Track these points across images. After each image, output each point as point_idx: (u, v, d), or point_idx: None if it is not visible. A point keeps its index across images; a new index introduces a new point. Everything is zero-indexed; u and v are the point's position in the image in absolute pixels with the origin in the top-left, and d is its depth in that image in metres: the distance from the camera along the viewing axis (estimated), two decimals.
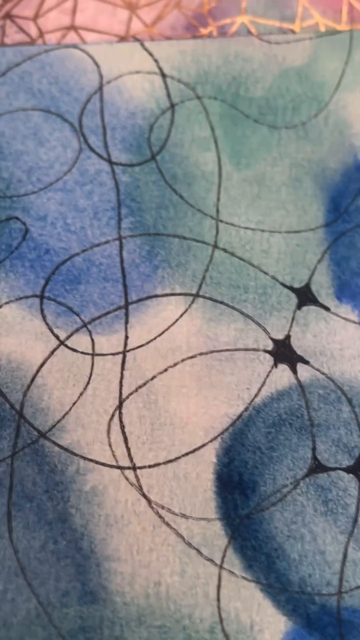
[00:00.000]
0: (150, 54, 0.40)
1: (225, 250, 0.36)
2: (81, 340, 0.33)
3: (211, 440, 0.31)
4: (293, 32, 0.40)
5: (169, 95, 0.39)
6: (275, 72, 0.39)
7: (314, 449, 0.31)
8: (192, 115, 0.39)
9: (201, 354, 0.33)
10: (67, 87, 0.40)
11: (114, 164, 0.38)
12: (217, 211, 0.37)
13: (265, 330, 0.34)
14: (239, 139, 0.38)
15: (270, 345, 0.33)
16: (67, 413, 0.32)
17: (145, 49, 0.41)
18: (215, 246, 0.36)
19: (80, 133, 0.39)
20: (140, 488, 0.30)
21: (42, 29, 0.42)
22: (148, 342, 0.33)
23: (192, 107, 0.39)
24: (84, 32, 0.41)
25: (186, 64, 0.40)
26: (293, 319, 0.34)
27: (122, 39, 0.41)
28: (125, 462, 0.31)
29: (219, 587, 0.29)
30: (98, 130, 0.39)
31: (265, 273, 0.35)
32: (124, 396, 0.32)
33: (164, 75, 0.40)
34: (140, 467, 0.31)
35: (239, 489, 0.30)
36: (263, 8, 0.41)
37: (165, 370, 0.33)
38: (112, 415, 0.32)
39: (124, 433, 0.31)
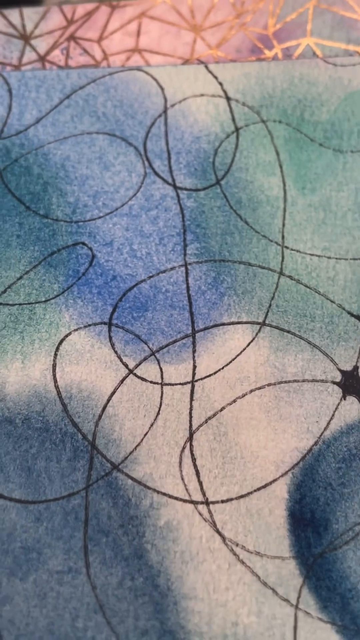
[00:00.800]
0: (215, 77, 0.37)
1: (291, 278, 0.33)
2: (150, 369, 0.31)
3: (282, 475, 0.29)
4: (359, 54, 0.37)
5: (233, 119, 0.36)
6: (340, 95, 0.36)
7: None
8: (257, 139, 0.36)
9: (269, 384, 0.31)
10: (131, 111, 0.37)
11: (179, 188, 0.35)
12: (283, 237, 0.34)
13: (332, 360, 0.31)
14: (304, 163, 0.35)
15: (338, 377, 0.31)
16: (139, 444, 0.29)
17: (210, 72, 0.38)
18: (281, 273, 0.33)
19: (145, 157, 0.36)
20: (214, 524, 0.28)
21: (107, 51, 0.39)
22: (216, 372, 0.31)
23: (256, 131, 0.36)
24: (148, 54, 0.39)
25: (251, 87, 0.37)
26: None
27: (187, 61, 0.38)
28: (198, 497, 0.28)
29: (295, 628, 0.26)
30: (162, 154, 0.36)
31: (332, 301, 0.32)
32: (194, 428, 0.30)
33: (228, 99, 0.37)
34: (213, 502, 0.28)
35: (312, 527, 0.28)
36: (329, 30, 0.37)
37: (234, 401, 0.30)
38: (184, 448, 0.29)
39: (195, 466, 0.29)
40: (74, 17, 0.40)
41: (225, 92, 0.37)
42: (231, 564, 0.27)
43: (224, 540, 0.27)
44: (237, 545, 0.27)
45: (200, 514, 0.28)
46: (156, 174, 0.35)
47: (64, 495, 0.28)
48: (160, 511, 0.28)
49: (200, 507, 0.28)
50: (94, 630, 0.26)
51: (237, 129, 0.36)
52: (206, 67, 0.38)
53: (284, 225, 0.34)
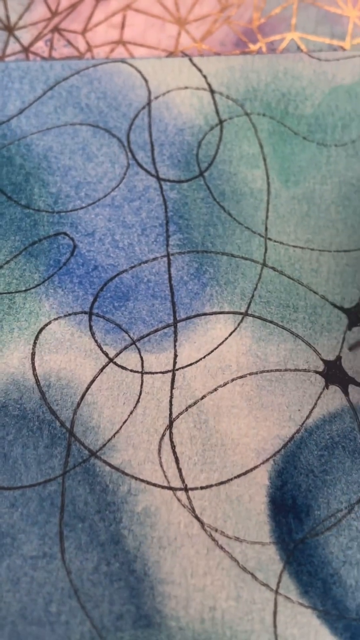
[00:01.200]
0: (199, 70, 0.40)
1: (274, 269, 0.35)
2: (130, 358, 0.33)
3: (263, 462, 0.31)
4: (343, 49, 0.40)
5: (217, 112, 0.39)
6: (325, 90, 0.39)
7: None
8: (241, 132, 0.38)
9: (251, 373, 0.32)
10: (115, 102, 0.39)
11: (162, 180, 0.37)
12: (266, 229, 0.36)
13: (315, 350, 0.33)
14: (288, 156, 0.38)
15: (321, 366, 0.33)
16: (117, 432, 0.31)
17: (194, 65, 0.40)
18: (264, 264, 0.35)
19: (128, 149, 0.38)
20: (192, 510, 0.29)
21: (91, 43, 0.41)
22: (197, 361, 0.33)
23: (240, 124, 0.38)
24: (133, 46, 0.41)
25: (235, 80, 0.39)
26: (344, 339, 0.33)
27: (171, 54, 0.41)
28: (177, 483, 0.30)
29: (275, 613, 0.28)
30: (146, 146, 0.38)
31: (315, 292, 0.34)
32: (174, 415, 0.31)
33: (212, 92, 0.39)
34: (192, 489, 0.30)
35: (293, 513, 0.30)
36: (313, 25, 0.40)
37: (215, 389, 0.32)
38: (163, 435, 0.31)
39: (175, 453, 0.31)
40: (58, 9, 0.42)
41: (209, 85, 0.39)
42: (210, 549, 0.28)
43: (202, 525, 0.29)
44: (216, 530, 0.29)
45: (179, 500, 0.29)
46: (139, 165, 0.37)
47: (40, 482, 0.29)
48: (138, 497, 0.29)
49: (179, 493, 0.29)
50: (67, 615, 0.27)
51: (221, 122, 0.38)
52: (190, 60, 0.40)
53: (267, 217, 0.36)
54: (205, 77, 0.40)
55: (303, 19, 0.40)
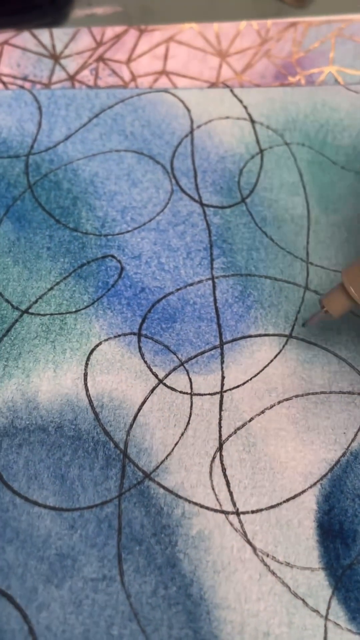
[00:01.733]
0: (240, 101, 0.37)
1: (316, 292, 0.32)
2: (179, 380, 0.30)
3: (311, 487, 0.28)
4: None
5: (257, 141, 0.36)
6: None
7: None
8: (281, 161, 0.36)
9: (297, 396, 0.30)
10: (158, 131, 0.37)
11: (205, 205, 0.35)
12: (307, 254, 0.33)
13: (359, 372, 0.30)
14: (327, 184, 0.35)
15: None
16: (169, 454, 0.28)
17: (235, 96, 0.37)
18: (307, 288, 0.33)
19: (172, 175, 0.36)
20: (244, 534, 0.27)
21: (135, 72, 0.39)
22: (244, 383, 0.30)
23: (280, 153, 0.36)
24: (175, 77, 0.38)
25: (275, 111, 0.37)
26: None
27: (212, 85, 0.38)
28: (229, 507, 0.27)
29: (325, 639, 0.25)
30: (189, 172, 0.36)
31: (357, 316, 0.32)
32: (223, 438, 0.29)
33: (253, 121, 0.37)
34: (243, 512, 0.27)
35: (340, 538, 0.27)
36: (351, 59, 0.38)
37: (263, 412, 0.30)
38: (214, 458, 0.28)
39: (225, 476, 0.28)
40: (103, 39, 0.40)
41: (249, 115, 0.37)
42: (262, 574, 0.26)
43: (254, 550, 0.26)
44: (267, 555, 0.26)
45: (231, 524, 0.27)
46: (183, 191, 0.35)
47: (97, 504, 0.27)
48: (192, 520, 0.27)
49: (231, 517, 0.27)
50: (129, 638, 0.24)
51: (261, 151, 0.36)
52: (231, 91, 0.38)
53: (308, 242, 0.33)
54: (245, 107, 0.37)
55: (341, 53, 0.38)
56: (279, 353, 0.31)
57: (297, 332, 0.31)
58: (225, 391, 0.30)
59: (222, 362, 0.31)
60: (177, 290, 0.32)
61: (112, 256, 0.33)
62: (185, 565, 0.26)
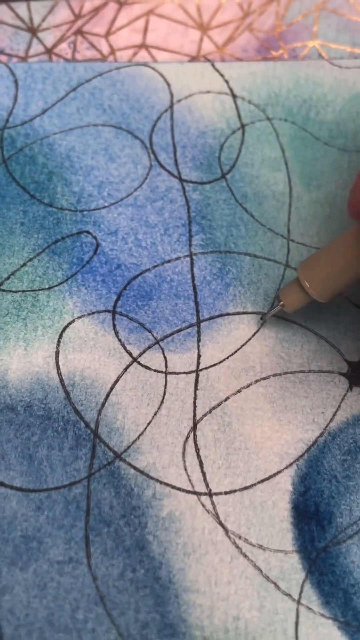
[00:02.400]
0: (221, 75, 0.36)
1: (297, 270, 0.31)
2: (154, 358, 0.29)
3: (287, 467, 0.27)
4: None
5: (239, 116, 0.35)
6: (345, 96, 0.35)
7: None
8: (263, 136, 0.34)
9: (275, 375, 0.29)
10: (137, 105, 0.35)
11: (185, 181, 0.33)
12: (289, 231, 0.32)
13: (339, 351, 0.29)
14: (310, 160, 0.34)
15: (344, 368, 0.29)
16: (142, 433, 0.27)
17: (216, 70, 0.36)
18: (287, 265, 0.31)
19: (150, 150, 0.34)
20: (217, 516, 0.26)
21: (114, 46, 0.37)
22: (221, 362, 0.29)
23: (262, 128, 0.35)
24: (155, 50, 0.37)
25: (257, 86, 0.35)
26: None
27: (193, 58, 0.37)
28: (201, 488, 0.26)
29: (297, 623, 0.24)
30: (168, 148, 0.34)
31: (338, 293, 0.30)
32: (198, 417, 0.28)
33: (234, 96, 0.35)
34: (216, 494, 0.26)
35: (316, 520, 0.26)
36: (334, 33, 0.36)
37: (239, 391, 0.28)
38: (187, 437, 0.27)
39: (199, 457, 0.27)
40: (82, 12, 0.38)
41: (231, 89, 0.35)
42: (233, 557, 0.25)
43: (226, 532, 0.25)
44: (239, 537, 0.25)
45: (203, 505, 0.26)
46: (162, 166, 0.34)
47: (66, 484, 0.26)
48: (163, 502, 0.26)
49: (203, 498, 0.26)
50: (94, 622, 0.23)
51: (242, 126, 0.34)
52: (212, 65, 0.36)
53: (289, 219, 0.32)
54: (227, 81, 0.36)
55: (324, 27, 0.36)
56: (257, 331, 0.30)
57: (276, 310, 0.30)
58: (201, 370, 0.29)
59: (199, 341, 0.29)
60: (154, 267, 0.31)
61: (88, 232, 0.32)
62: (154, 547, 0.25)
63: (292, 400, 0.28)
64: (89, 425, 0.27)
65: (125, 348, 0.29)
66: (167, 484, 0.26)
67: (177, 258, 0.31)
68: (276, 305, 0.28)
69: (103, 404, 0.27)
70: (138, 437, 0.27)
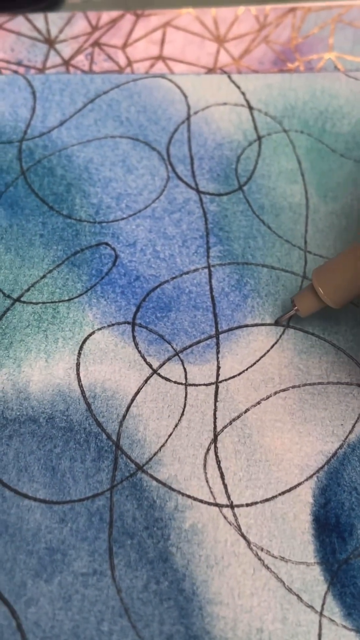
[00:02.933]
0: (238, 87, 0.36)
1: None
2: (174, 370, 0.29)
3: (307, 479, 0.27)
4: None
5: (255, 128, 0.35)
6: None
7: None
8: (279, 148, 0.34)
9: (293, 386, 0.29)
10: (154, 116, 0.36)
11: (202, 193, 0.34)
12: (305, 242, 0.32)
13: (357, 363, 0.29)
14: (326, 172, 0.34)
15: None
16: (163, 445, 0.27)
17: (233, 82, 0.36)
18: (305, 277, 0.31)
19: (168, 162, 0.34)
20: (239, 528, 0.26)
21: (131, 58, 0.37)
22: (240, 373, 0.29)
23: (278, 140, 0.35)
24: (172, 62, 0.37)
25: (273, 98, 0.36)
26: None
27: (210, 70, 0.37)
28: (223, 500, 0.26)
29: (319, 635, 0.24)
30: (185, 159, 0.34)
31: (356, 305, 0.31)
32: (218, 429, 0.28)
33: (251, 108, 0.35)
34: (238, 506, 0.26)
35: (336, 532, 0.26)
36: (350, 45, 0.36)
37: (258, 403, 0.28)
38: (208, 449, 0.27)
39: (220, 468, 0.27)
40: (99, 24, 0.38)
41: (247, 101, 0.35)
42: (256, 569, 0.25)
43: (248, 544, 0.25)
44: (261, 549, 0.25)
45: (225, 517, 0.26)
46: (179, 178, 0.34)
47: (89, 496, 0.26)
48: (185, 514, 0.26)
49: (225, 510, 0.26)
50: (119, 635, 0.23)
51: (259, 138, 0.35)
52: (229, 77, 0.36)
53: (306, 231, 0.32)
54: (243, 93, 0.36)
55: (340, 39, 0.36)
56: (275, 343, 0.30)
57: (294, 322, 0.30)
58: (220, 381, 0.29)
59: (218, 352, 0.29)
60: (173, 278, 0.31)
61: (107, 244, 0.32)
62: (177, 559, 0.25)
63: (311, 412, 0.28)
64: (111, 437, 0.27)
65: (145, 360, 0.29)
66: (189, 496, 0.26)
67: (195, 270, 0.31)
68: (290, 310, 0.28)
69: (124, 416, 0.28)
70: (159, 449, 0.27)
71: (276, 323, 0.29)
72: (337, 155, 0.34)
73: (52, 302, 0.30)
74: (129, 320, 0.30)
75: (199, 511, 0.26)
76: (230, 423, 0.28)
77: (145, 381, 0.28)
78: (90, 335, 0.30)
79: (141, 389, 0.28)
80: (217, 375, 0.29)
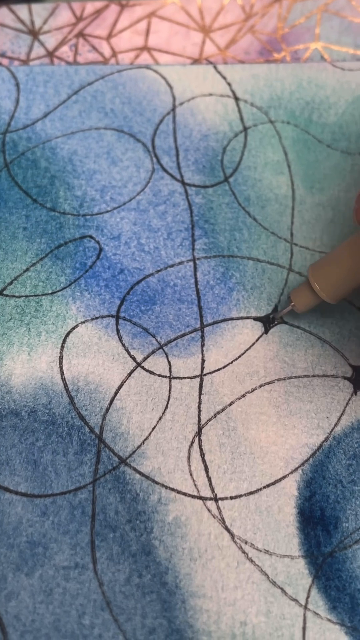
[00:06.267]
0: (224, 77, 0.36)
1: (300, 274, 0.31)
2: (158, 363, 0.29)
3: (292, 472, 0.27)
4: None
5: (241, 119, 0.35)
6: (348, 99, 0.35)
7: None
8: (265, 139, 0.35)
9: (279, 379, 0.29)
10: (139, 108, 0.36)
11: (187, 185, 0.34)
12: (292, 234, 0.33)
13: (343, 356, 0.30)
14: (312, 163, 0.34)
15: (349, 372, 0.29)
16: (146, 438, 0.27)
17: (219, 72, 0.36)
18: (291, 269, 0.32)
19: (153, 153, 0.35)
20: (222, 521, 0.26)
21: (115, 48, 0.38)
22: (225, 366, 0.29)
23: (265, 131, 0.35)
24: (157, 53, 0.37)
25: (259, 88, 0.36)
26: None
27: (195, 61, 0.37)
28: (207, 493, 0.27)
29: (304, 629, 0.25)
30: (171, 151, 0.35)
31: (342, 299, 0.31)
32: (202, 422, 0.28)
33: (237, 99, 0.36)
34: (222, 498, 0.26)
35: (321, 525, 0.26)
36: (337, 35, 0.36)
37: (243, 395, 0.29)
38: (192, 442, 0.28)
39: (204, 461, 0.27)
40: (83, 15, 0.38)
41: (233, 92, 0.36)
42: (240, 562, 0.25)
43: (232, 537, 0.26)
44: (246, 543, 0.26)
45: (209, 510, 0.26)
46: (164, 170, 0.34)
47: (71, 489, 0.26)
48: (169, 507, 0.26)
49: (209, 503, 0.26)
50: (100, 628, 0.24)
51: (245, 129, 0.35)
52: (215, 67, 0.36)
53: (292, 222, 0.33)
54: (229, 84, 0.36)
55: (327, 29, 0.37)
56: (260, 336, 0.30)
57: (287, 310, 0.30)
58: (205, 374, 0.29)
59: (203, 345, 0.30)
60: (157, 271, 0.31)
61: (91, 236, 0.32)
62: (160, 552, 0.25)
63: (297, 405, 0.28)
64: (94, 430, 0.27)
65: (129, 353, 0.29)
66: (172, 489, 0.26)
67: (180, 262, 0.32)
68: (287, 305, 0.29)
69: (107, 409, 0.28)
70: (143, 442, 0.27)
71: (272, 319, 0.30)
72: (324, 146, 0.34)
73: (35, 296, 0.31)
74: (113, 313, 0.30)
75: (182, 504, 0.26)
76: (215, 416, 0.28)
77: (129, 374, 0.29)
78: (73, 328, 0.30)
79: (125, 382, 0.29)
80: (202, 368, 0.29)
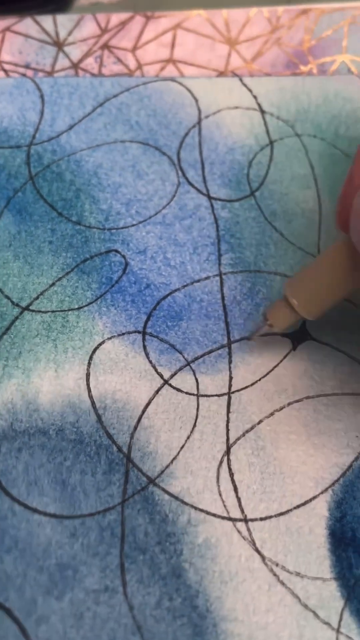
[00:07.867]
0: (249, 90, 0.36)
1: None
2: (185, 380, 0.29)
3: (322, 492, 0.27)
4: None
5: (267, 132, 0.35)
6: None
7: None
8: (291, 153, 0.34)
9: (308, 397, 0.28)
10: (165, 120, 0.35)
11: (213, 199, 0.33)
12: (318, 250, 0.32)
13: None
14: (339, 177, 0.33)
15: None
16: (175, 458, 0.27)
17: (245, 85, 0.36)
18: None
19: (178, 167, 0.34)
20: (253, 542, 0.25)
21: (140, 61, 0.37)
22: (253, 384, 0.29)
23: (291, 145, 0.34)
24: (183, 65, 0.37)
25: (285, 101, 0.35)
26: None
27: (221, 73, 0.36)
28: (237, 514, 0.26)
29: None
30: (196, 164, 0.34)
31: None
32: (231, 441, 0.27)
33: (263, 112, 0.35)
34: (252, 520, 0.26)
35: (353, 547, 0.26)
36: None
37: (272, 414, 0.28)
38: (221, 462, 0.27)
39: (233, 481, 0.27)
40: (108, 26, 0.38)
41: (259, 105, 0.35)
42: (271, 584, 0.25)
43: (263, 559, 0.25)
44: (277, 565, 0.25)
45: (239, 532, 0.25)
46: (190, 183, 0.33)
47: (100, 510, 0.25)
48: (198, 528, 0.25)
49: (239, 524, 0.26)
50: None
51: (271, 142, 0.34)
52: (241, 80, 0.36)
53: (319, 237, 0.32)
54: (255, 97, 0.35)
55: (354, 41, 0.36)
56: (289, 352, 0.29)
57: (310, 331, 0.30)
58: (233, 392, 0.28)
59: (230, 362, 0.29)
60: (184, 286, 0.31)
61: (116, 251, 0.32)
62: (190, 575, 0.24)
63: (326, 424, 0.28)
64: (122, 449, 0.27)
65: (156, 370, 0.29)
66: (201, 510, 0.26)
67: (207, 277, 0.31)
68: (262, 324, 0.28)
69: (135, 428, 0.27)
70: (171, 462, 0.27)
71: (248, 339, 0.29)
72: (351, 160, 0.33)
73: (61, 311, 0.30)
74: (139, 329, 0.30)
75: (212, 525, 0.25)
76: (244, 435, 0.27)
77: (157, 392, 0.28)
78: (100, 344, 0.29)
79: (152, 399, 0.28)
80: (230, 385, 0.29)
